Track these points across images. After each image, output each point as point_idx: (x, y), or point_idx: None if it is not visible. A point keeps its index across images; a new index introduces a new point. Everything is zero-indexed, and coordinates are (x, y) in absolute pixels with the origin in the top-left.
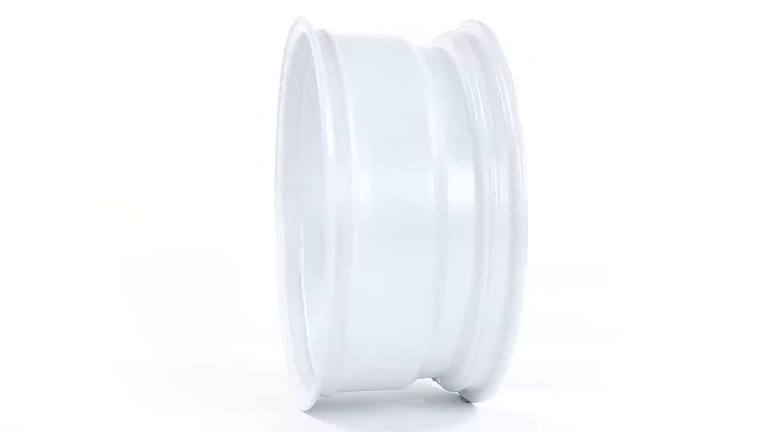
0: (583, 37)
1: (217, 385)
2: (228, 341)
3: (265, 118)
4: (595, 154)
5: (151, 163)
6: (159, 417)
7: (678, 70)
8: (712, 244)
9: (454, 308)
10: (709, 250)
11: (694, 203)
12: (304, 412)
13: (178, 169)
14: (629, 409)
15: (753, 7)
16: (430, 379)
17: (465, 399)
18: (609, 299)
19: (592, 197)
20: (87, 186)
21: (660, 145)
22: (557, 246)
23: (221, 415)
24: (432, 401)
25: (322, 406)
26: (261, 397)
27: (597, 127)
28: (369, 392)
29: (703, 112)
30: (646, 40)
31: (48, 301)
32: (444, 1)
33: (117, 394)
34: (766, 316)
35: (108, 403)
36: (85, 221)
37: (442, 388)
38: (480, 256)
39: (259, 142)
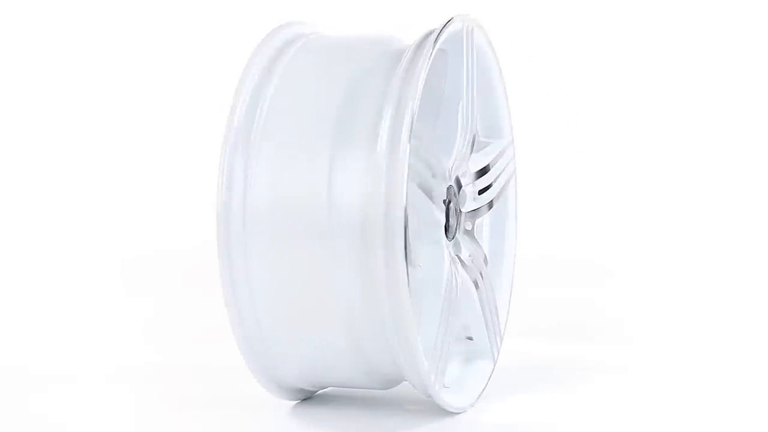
0: (582, 37)
1: (215, 385)
2: (227, 341)
3: None
4: (594, 153)
5: (153, 162)
6: (158, 416)
7: (677, 69)
8: (712, 244)
9: (352, 309)
10: (709, 249)
11: (693, 202)
12: (296, 413)
13: (179, 168)
14: (623, 411)
15: (753, 7)
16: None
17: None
18: (609, 299)
19: (592, 197)
20: (88, 185)
21: (660, 145)
22: (556, 246)
23: (219, 414)
24: (430, 408)
25: (315, 407)
26: (255, 398)
27: (597, 127)
28: (369, 395)
29: (702, 112)
30: (645, 40)
31: (48, 301)
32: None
33: (116, 393)
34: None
35: (107, 403)
36: (86, 220)
37: None
38: (364, 258)
39: None
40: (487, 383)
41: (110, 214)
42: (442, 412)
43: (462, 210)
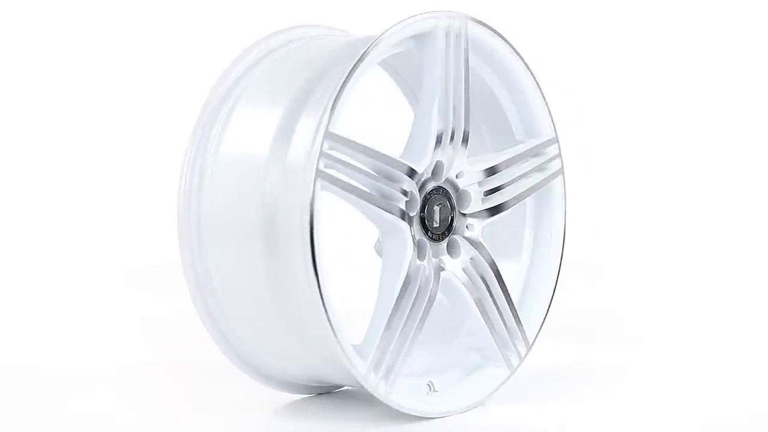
0: (582, 37)
1: (215, 385)
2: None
3: None
4: (594, 154)
5: (152, 163)
6: (157, 416)
7: (677, 70)
8: (712, 243)
9: (288, 311)
10: (709, 249)
11: (693, 202)
12: (297, 412)
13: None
14: (623, 413)
15: (753, 7)
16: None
17: None
18: (609, 299)
19: (593, 197)
20: (88, 185)
21: (659, 145)
22: None
23: (219, 413)
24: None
25: (315, 406)
26: (255, 397)
27: (596, 127)
28: (368, 395)
29: (702, 111)
30: (645, 40)
31: (48, 302)
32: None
33: (115, 393)
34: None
35: (106, 403)
36: (86, 220)
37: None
38: (287, 262)
39: None
40: (493, 390)
41: (110, 213)
42: (437, 414)
43: (463, 212)
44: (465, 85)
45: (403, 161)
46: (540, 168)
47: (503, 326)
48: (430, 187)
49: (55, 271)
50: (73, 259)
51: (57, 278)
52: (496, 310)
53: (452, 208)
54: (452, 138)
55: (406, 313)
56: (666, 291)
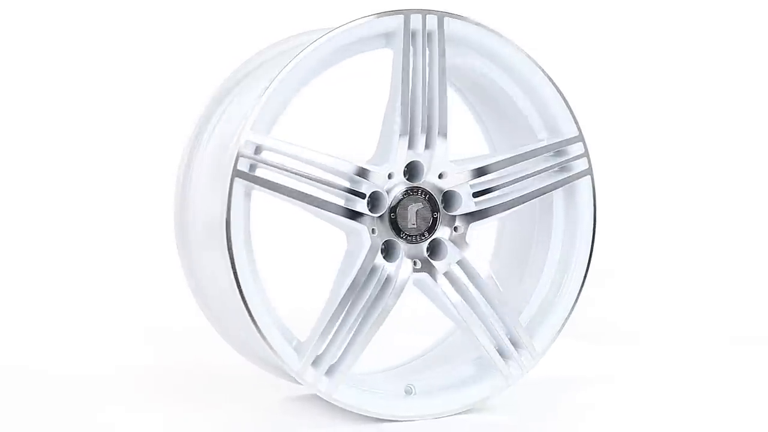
0: (581, 37)
1: (215, 384)
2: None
3: None
4: (594, 153)
5: (154, 163)
6: (157, 416)
7: (678, 71)
8: (713, 244)
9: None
10: (709, 249)
11: (695, 204)
12: (298, 409)
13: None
14: (623, 414)
15: (753, 7)
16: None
17: None
18: (609, 299)
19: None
20: (88, 184)
21: (659, 144)
22: None
23: (220, 413)
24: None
25: (316, 403)
26: (255, 396)
27: (595, 126)
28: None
29: (702, 112)
30: (645, 40)
31: (48, 301)
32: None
33: (116, 393)
34: None
35: (107, 403)
36: (86, 220)
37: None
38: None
39: None
40: (482, 399)
41: (110, 213)
42: (401, 417)
43: (451, 214)
44: (439, 83)
45: (348, 162)
46: (561, 168)
47: (499, 333)
48: (404, 187)
49: (55, 271)
50: (73, 259)
51: (57, 279)
52: (494, 316)
53: (435, 209)
54: (426, 138)
55: (356, 311)
56: (665, 292)
